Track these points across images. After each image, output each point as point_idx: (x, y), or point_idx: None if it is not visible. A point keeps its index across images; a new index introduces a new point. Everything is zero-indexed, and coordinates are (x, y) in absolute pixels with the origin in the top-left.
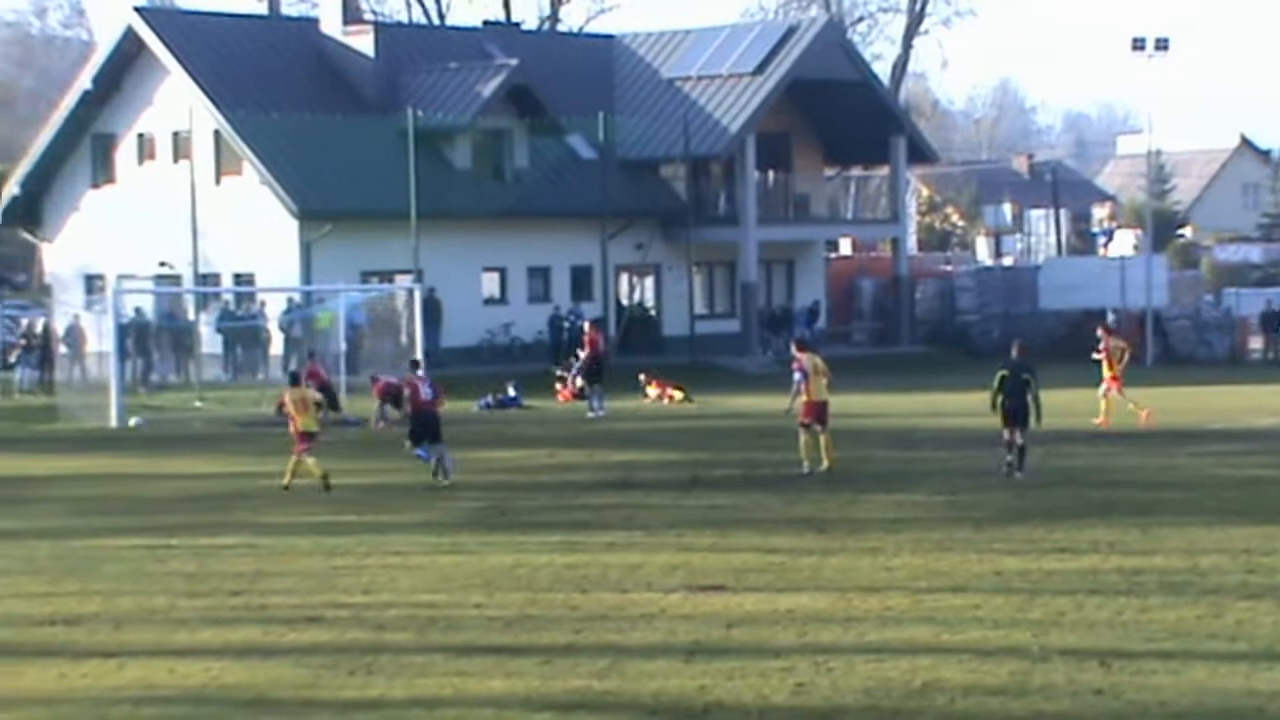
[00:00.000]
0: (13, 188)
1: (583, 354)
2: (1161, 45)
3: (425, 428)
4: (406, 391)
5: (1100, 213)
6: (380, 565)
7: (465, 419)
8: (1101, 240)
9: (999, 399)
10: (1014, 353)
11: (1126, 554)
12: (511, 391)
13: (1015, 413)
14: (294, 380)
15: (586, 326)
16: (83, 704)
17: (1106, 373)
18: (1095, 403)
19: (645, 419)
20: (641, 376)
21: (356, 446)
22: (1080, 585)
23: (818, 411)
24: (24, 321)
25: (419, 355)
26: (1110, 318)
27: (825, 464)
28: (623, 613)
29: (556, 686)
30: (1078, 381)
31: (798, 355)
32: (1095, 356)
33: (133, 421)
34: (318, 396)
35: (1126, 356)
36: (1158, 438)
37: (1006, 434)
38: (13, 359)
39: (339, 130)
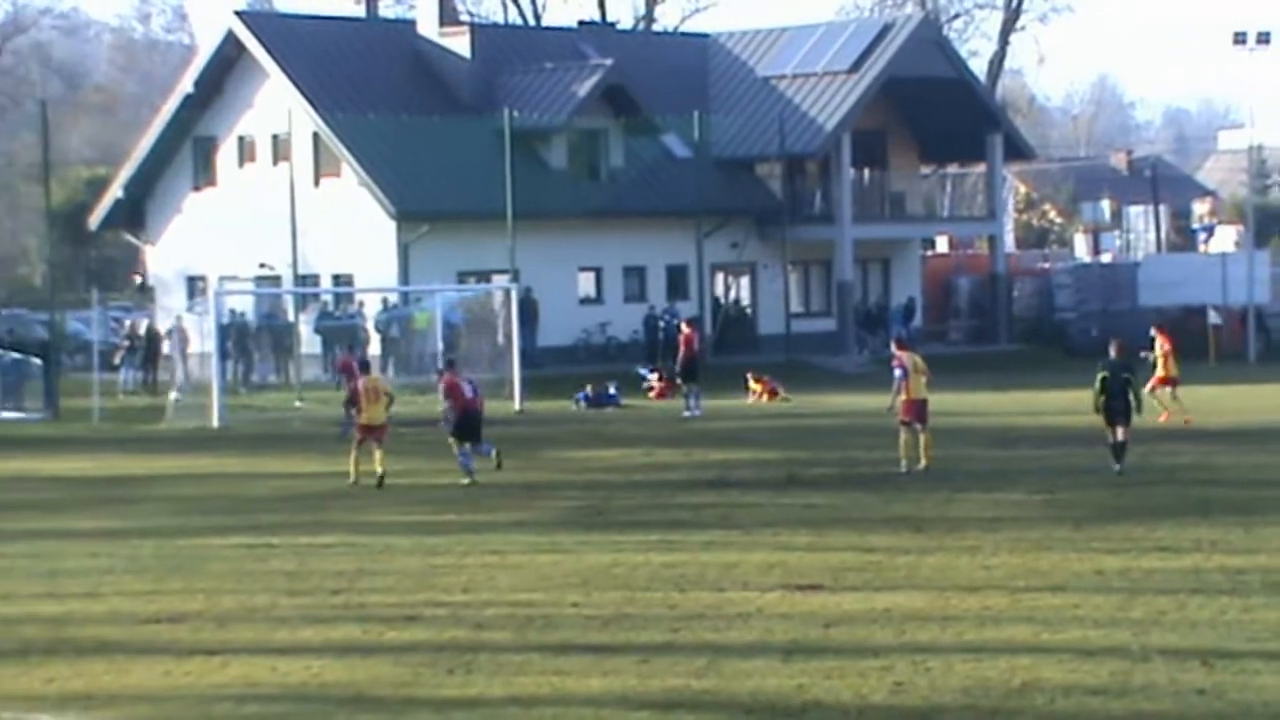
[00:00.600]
0: (116, 191)
1: (679, 354)
2: (1263, 39)
3: (469, 426)
4: (444, 390)
5: (1201, 208)
6: (479, 564)
7: (562, 418)
8: (1202, 236)
9: (1101, 399)
10: (1112, 352)
11: (1229, 553)
12: (612, 390)
13: (1118, 412)
14: (365, 368)
15: (683, 326)
16: (186, 701)
17: (1160, 371)
18: (1196, 401)
19: (741, 418)
20: (749, 375)
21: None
22: (1182, 584)
23: (917, 410)
24: (127, 323)
25: (447, 357)
26: (1212, 315)
27: (923, 463)
28: (720, 612)
29: (654, 685)
30: (1180, 379)
31: (897, 353)
32: (1146, 354)
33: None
34: (389, 388)
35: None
36: (1258, 436)
37: (1111, 434)
38: (117, 360)
39: (436, 131)
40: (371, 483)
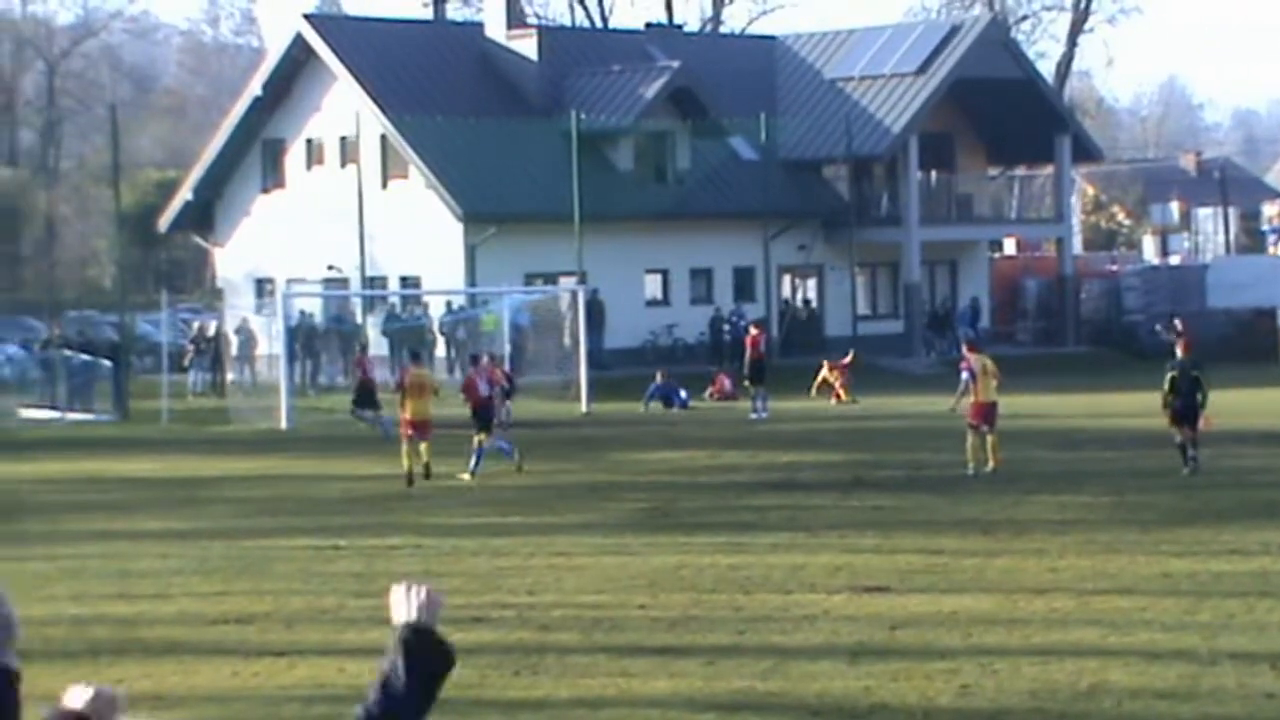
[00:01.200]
0: (185, 194)
1: (746, 356)
2: None
3: (483, 420)
4: (462, 386)
5: (1270, 210)
6: (545, 566)
7: (629, 420)
8: (1271, 238)
9: (1170, 399)
10: (1179, 352)
11: None
12: (683, 393)
13: (1186, 412)
14: (415, 358)
15: (751, 329)
16: (254, 701)
17: None
18: (1263, 403)
19: (808, 420)
20: (824, 363)
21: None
22: (1250, 587)
23: (985, 413)
24: (196, 325)
25: (472, 353)
26: None
27: (991, 465)
28: (786, 614)
29: (720, 687)
30: (1249, 381)
31: (968, 355)
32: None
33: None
34: (436, 383)
35: None
36: None
37: (1179, 434)
38: (186, 362)
39: (503, 133)
40: (429, 481)
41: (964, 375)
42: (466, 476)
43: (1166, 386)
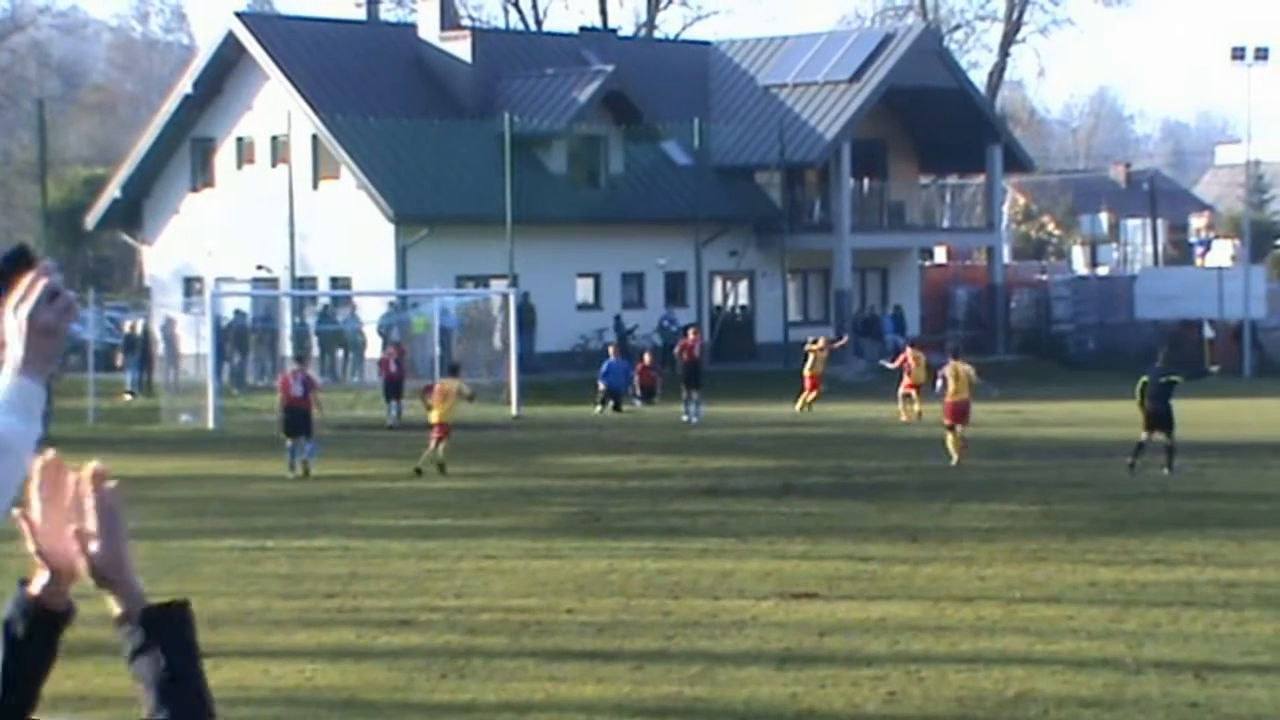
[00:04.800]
0: (114, 191)
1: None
2: (1261, 55)
3: (292, 422)
4: (279, 386)
5: (1198, 223)
6: (473, 569)
7: (561, 423)
8: (1199, 250)
9: (1144, 402)
10: (1159, 360)
11: (1223, 566)
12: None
13: (1157, 416)
14: (454, 371)
15: (688, 333)
16: None
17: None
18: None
19: (739, 425)
20: (813, 339)
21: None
22: (1175, 597)
23: (957, 411)
24: (127, 324)
25: (297, 354)
26: (1207, 330)
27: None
28: (715, 619)
29: (648, 693)
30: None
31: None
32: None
33: (182, 418)
34: (466, 390)
35: None
36: (1252, 450)
37: (1145, 436)
38: (120, 362)
39: (436, 135)
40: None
41: (938, 383)
42: (297, 473)
43: (1138, 392)
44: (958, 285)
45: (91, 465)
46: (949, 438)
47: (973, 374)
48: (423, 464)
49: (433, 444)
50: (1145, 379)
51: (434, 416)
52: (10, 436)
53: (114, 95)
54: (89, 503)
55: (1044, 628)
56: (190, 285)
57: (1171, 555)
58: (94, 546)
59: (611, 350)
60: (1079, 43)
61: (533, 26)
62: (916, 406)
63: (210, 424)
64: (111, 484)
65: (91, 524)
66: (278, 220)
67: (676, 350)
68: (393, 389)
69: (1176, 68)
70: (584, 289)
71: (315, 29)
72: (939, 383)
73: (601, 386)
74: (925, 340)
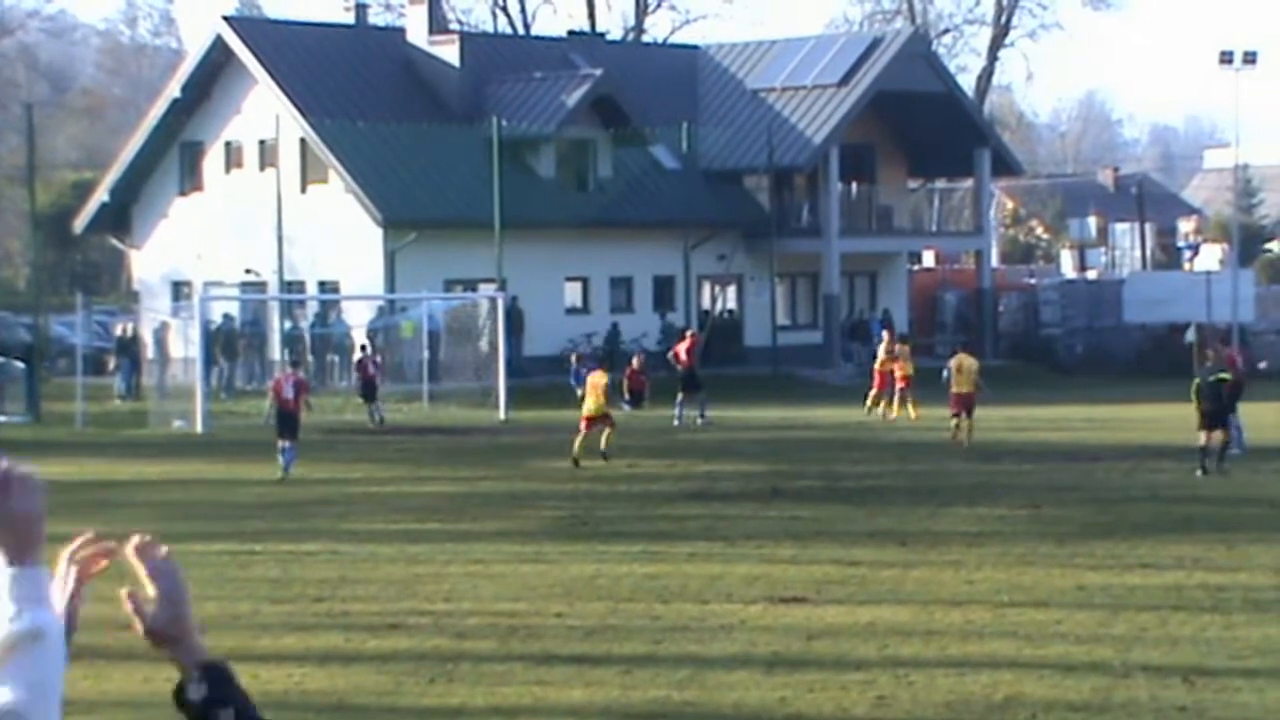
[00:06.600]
0: (102, 195)
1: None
2: (1249, 59)
3: (284, 424)
4: (270, 389)
5: (1186, 227)
6: (462, 573)
7: (547, 427)
8: (1187, 254)
9: (1199, 404)
10: (1208, 358)
11: (1211, 570)
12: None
13: (1212, 415)
14: (600, 363)
15: (687, 335)
16: (165, 707)
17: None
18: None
19: (728, 429)
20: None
21: (444, 454)
22: (1164, 601)
23: (962, 402)
24: (119, 328)
25: (292, 358)
26: (1190, 334)
27: (965, 444)
28: (703, 623)
29: (636, 697)
30: (1164, 396)
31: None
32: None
33: (175, 423)
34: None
35: None
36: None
37: (1204, 439)
38: (111, 367)
39: (424, 139)
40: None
41: (944, 372)
42: (280, 476)
43: (1193, 394)
44: (946, 289)
45: (134, 540)
46: (954, 422)
47: (976, 369)
48: (584, 459)
49: (585, 434)
50: (1197, 380)
51: (589, 409)
52: (44, 625)
53: (102, 99)
54: (143, 572)
55: (1032, 631)
56: (179, 289)
57: (1160, 559)
58: (151, 609)
59: (575, 358)
60: (1067, 47)
61: (521, 30)
62: (913, 411)
63: (199, 428)
64: (164, 550)
65: (150, 591)
66: (266, 224)
67: (670, 355)
68: (369, 391)
69: (1165, 72)
70: (572, 293)
71: (303, 33)
72: (944, 373)
73: (580, 392)
74: (914, 343)
